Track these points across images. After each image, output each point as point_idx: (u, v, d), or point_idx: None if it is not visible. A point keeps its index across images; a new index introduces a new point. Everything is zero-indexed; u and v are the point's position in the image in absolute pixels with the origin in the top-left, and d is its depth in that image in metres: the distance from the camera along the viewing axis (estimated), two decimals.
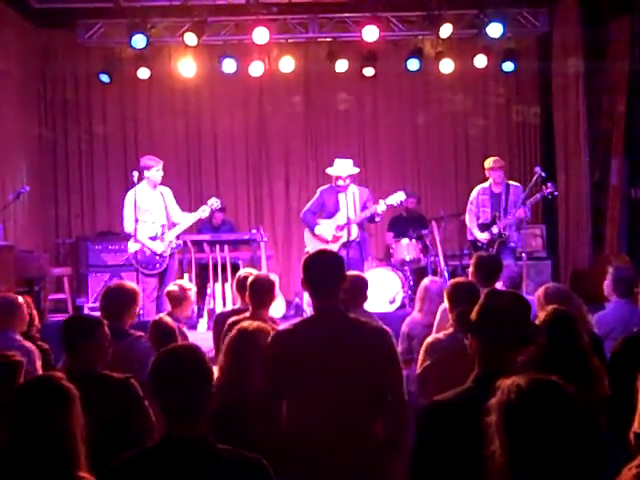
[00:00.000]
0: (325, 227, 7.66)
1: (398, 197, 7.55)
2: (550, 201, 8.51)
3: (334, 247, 7.37)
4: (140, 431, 3.09)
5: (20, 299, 4.47)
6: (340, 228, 7.57)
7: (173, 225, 7.71)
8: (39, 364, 4.12)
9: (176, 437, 2.16)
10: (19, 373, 3.12)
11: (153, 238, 7.57)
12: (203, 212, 7.71)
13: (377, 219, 7.71)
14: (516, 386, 1.79)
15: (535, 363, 2.86)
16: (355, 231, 7.50)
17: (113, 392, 3.13)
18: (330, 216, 7.69)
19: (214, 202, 7.77)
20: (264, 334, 3.20)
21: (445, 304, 4.08)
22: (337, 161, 7.80)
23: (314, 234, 7.69)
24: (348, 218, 7.38)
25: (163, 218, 7.67)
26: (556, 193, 7.51)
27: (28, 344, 4.20)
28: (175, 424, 2.17)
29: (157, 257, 7.54)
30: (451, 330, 3.92)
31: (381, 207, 7.46)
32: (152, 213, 7.61)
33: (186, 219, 7.74)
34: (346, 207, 7.43)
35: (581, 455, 1.74)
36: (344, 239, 7.48)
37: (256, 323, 3.35)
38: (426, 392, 3.65)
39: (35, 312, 4.66)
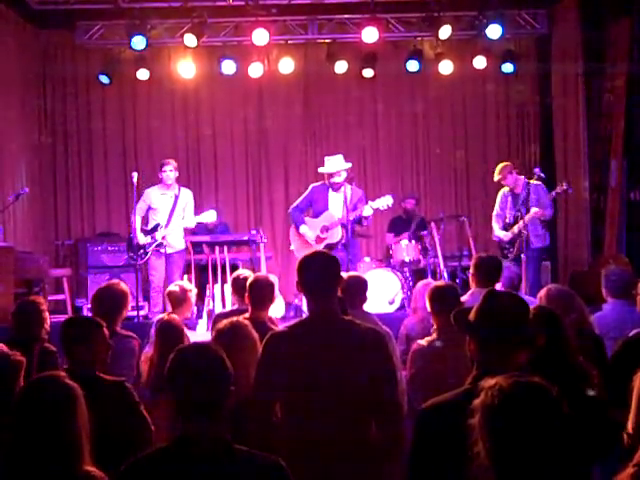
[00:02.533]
0: (310, 227, 7.47)
1: (385, 201, 7.27)
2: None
3: (318, 248, 7.25)
4: (137, 434, 3.09)
5: None
6: (325, 229, 7.39)
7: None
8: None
9: (193, 436, 2.12)
10: (19, 373, 3.12)
11: (144, 231, 7.78)
12: (192, 221, 7.87)
13: (364, 223, 7.45)
14: (498, 389, 1.76)
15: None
16: (339, 233, 7.31)
17: (108, 395, 3.13)
18: (317, 215, 7.50)
19: (208, 217, 7.82)
20: (241, 328, 3.23)
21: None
22: (327, 159, 7.62)
23: (297, 231, 7.54)
24: (338, 219, 7.25)
25: (163, 218, 7.80)
26: (570, 190, 7.51)
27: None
28: (192, 423, 2.13)
29: (140, 250, 7.70)
30: (434, 336, 3.92)
31: (367, 211, 7.20)
32: (158, 212, 7.83)
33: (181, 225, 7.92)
34: (341, 206, 7.26)
35: (565, 456, 1.72)
36: (329, 241, 7.31)
37: (229, 321, 3.36)
38: (415, 399, 3.67)
39: (47, 314, 4.60)
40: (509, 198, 7.65)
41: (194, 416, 2.13)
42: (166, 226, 7.76)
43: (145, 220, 7.93)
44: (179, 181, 8.15)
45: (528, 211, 7.35)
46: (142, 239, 7.76)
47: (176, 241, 7.87)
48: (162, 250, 7.73)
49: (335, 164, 7.50)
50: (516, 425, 1.71)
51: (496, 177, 7.68)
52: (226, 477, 2.11)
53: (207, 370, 2.16)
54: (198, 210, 8.02)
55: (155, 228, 7.76)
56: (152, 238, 7.72)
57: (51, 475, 2.22)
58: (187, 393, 2.15)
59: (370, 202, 7.31)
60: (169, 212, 7.83)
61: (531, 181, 7.55)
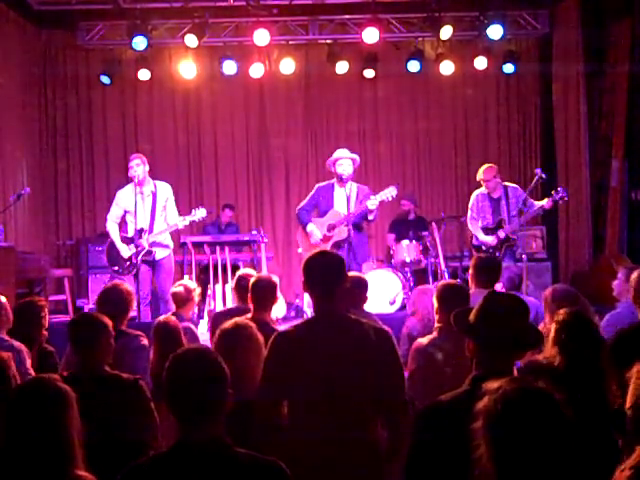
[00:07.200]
0: (317, 226, 7.34)
1: (389, 192, 7.08)
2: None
3: (325, 247, 7.03)
4: (145, 432, 3.12)
5: (3, 299, 4.41)
6: (331, 227, 7.26)
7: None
8: (29, 363, 4.11)
9: (192, 441, 2.13)
10: (6, 371, 3.12)
11: (126, 240, 7.11)
12: (182, 221, 7.02)
13: (370, 217, 7.20)
14: (502, 394, 1.73)
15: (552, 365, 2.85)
16: (346, 230, 7.13)
17: (123, 392, 3.17)
18: (324, 214, 7.38)
19: (198, 214, 7.06)
20: (246, 329, 3.25)
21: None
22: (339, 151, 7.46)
23: (305, 232, 7.41)
24: (344, 216, 7.10)
25: (144, 220, 7.06)
26: (567, 198, 7.36)
27: (17, 343, 4.16)
28: (191, 428, 2.14)
29: (127, 262, 7.07)
30: (435, 335, 3.92)
31: (372, 202, 6.98)
32: (136, 216, 7.07)
33: (165, 225, 7.12)
34: (346, 204, 7.11)
35: (569, 464, 1.69)
36: (336, 238, 7.19)
37: (234, 321, 3.37)
38: (415, 397, 3.66)
39: (46, 317, 4.59)
40: (486, 203, 7.52)
41: (193, 421, 2.14)
42: (150, 231, 7.03)
43: (124, 226, 7.16)
44: (181, 181, 8.05)
45: (510, 215, 7.31)
46: (125, 251, 7.06)
47: (163, 244, 7.17)
48: (150, 258, 7.04)
49: (340, 153, 7.35)
50: (519, 432, 1.69)
51: (480, 176, 7.53)
52: None
53: (204, 375, 2.17)
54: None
55: (140, 234, 7.00)
56: (139, 246, 6.98)
57: (41, 479, 2.20)
58: (185, 399, 2.16)
59: (372, 196, 7.09)
60: (150, 214, 7.05)
61: (507, 184, 7.51)
